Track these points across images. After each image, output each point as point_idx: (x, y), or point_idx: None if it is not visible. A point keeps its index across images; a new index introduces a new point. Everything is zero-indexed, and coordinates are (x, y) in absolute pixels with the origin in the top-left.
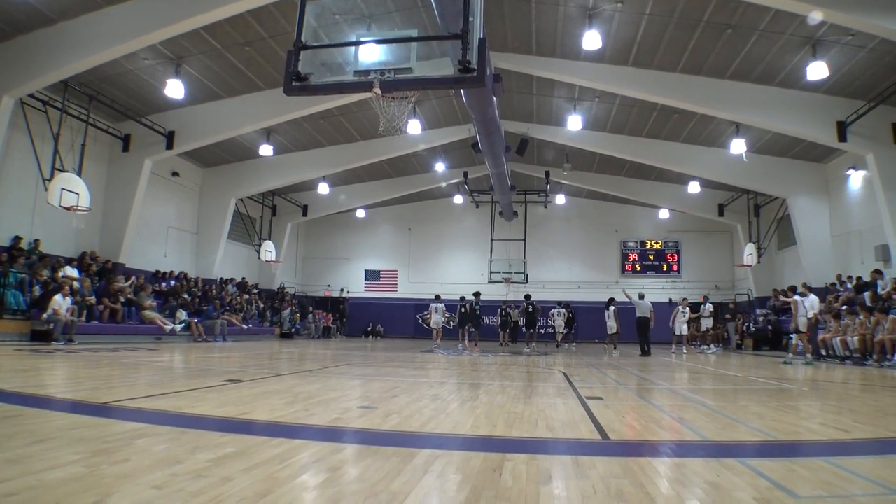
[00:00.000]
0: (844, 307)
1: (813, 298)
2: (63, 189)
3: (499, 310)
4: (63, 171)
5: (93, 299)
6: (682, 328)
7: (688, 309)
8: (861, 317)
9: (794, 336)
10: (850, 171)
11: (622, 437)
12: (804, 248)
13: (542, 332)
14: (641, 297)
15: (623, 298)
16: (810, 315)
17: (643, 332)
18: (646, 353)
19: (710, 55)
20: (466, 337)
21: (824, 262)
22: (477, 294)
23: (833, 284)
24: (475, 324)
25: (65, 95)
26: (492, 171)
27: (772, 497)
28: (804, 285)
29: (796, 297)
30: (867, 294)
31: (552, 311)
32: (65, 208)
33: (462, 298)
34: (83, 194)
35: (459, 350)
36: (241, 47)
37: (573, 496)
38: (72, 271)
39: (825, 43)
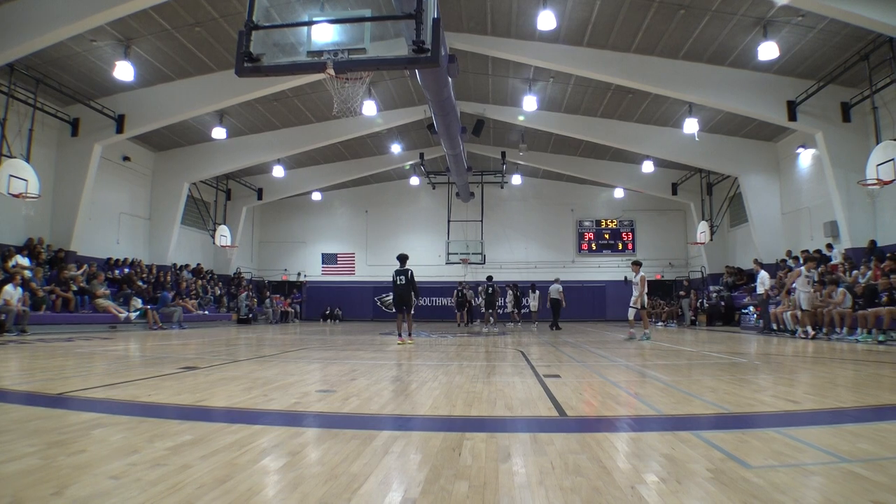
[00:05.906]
0: (795, 283)
1: (763, 274)
2: (11, 176)
3: (454, 290)
4: (10, 157)
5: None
6: (804, 300)
7: (814, 271)
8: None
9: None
10: (800, 150)
11: (579, 413)
12: (755, 226)
13: (501, 311)
14: (556, 280)
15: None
16: (760, 291)
17: (555, 310)
18: (557, 327)
19: (664, 35)
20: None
21: (775, 238)
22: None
23: (783, 261)
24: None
25: (11, 79)
26: (448, 152)
27: (725, 468)
28: (755, 261)
29: (643, 274)
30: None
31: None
32: (13, 195)
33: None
34: (32, 181)
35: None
36: (192, 28)
37: (531, 472)
38: (23, 260)
39: (776, 24)
